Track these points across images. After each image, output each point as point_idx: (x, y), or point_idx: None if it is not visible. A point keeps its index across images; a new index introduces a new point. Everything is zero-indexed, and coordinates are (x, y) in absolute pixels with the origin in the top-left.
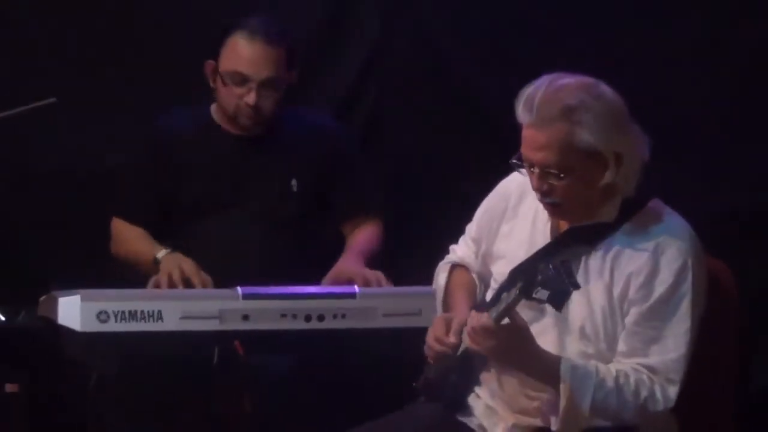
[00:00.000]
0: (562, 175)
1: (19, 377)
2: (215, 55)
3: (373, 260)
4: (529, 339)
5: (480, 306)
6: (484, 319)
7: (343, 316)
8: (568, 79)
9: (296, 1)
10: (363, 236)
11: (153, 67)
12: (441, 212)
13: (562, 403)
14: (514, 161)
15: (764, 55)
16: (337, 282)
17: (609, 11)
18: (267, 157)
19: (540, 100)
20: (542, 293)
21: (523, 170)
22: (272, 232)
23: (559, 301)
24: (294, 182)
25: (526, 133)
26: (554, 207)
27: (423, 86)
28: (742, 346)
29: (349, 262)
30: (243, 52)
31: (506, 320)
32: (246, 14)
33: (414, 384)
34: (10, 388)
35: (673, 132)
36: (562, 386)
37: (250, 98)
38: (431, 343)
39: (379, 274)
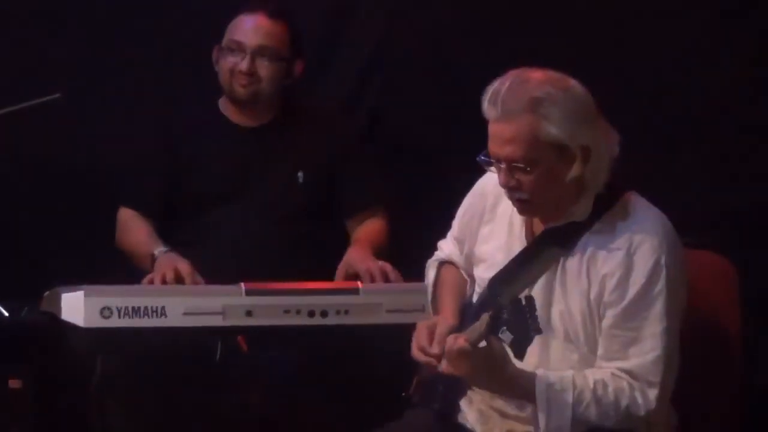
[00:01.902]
0: (528, 169)
1: (22, 373)
2: (221, 40)
3: (380, 254)
4: (505, 362)
5: (461, 323)
6: (460, 342)
7: (347, 312)
8: (534, 73)
9: None
10: (368, 230)
11: (159, 60)
12: (444, 208)
13: (542, 423)
14: (482, 158)
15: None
16: (344, 276)
17: (610, 9)
18: (274, 148)
19: (505, 94)
20: (506, 335)
21: (492, 168)
22: (278, 224)
23: (521, 348)
24: (300, 174)
25: (493, 128)
26: (522, 203)
27: (427, 82)
28: (745, 343)
29: (355, 254)
30: (242, 23)
31: (482, 342)
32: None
33: (404, 394)
34: (13, 383)
35: (676, 129)
36: (539, 406)
37: (244, 64)
38: (415, 353)
39: (385, 265)
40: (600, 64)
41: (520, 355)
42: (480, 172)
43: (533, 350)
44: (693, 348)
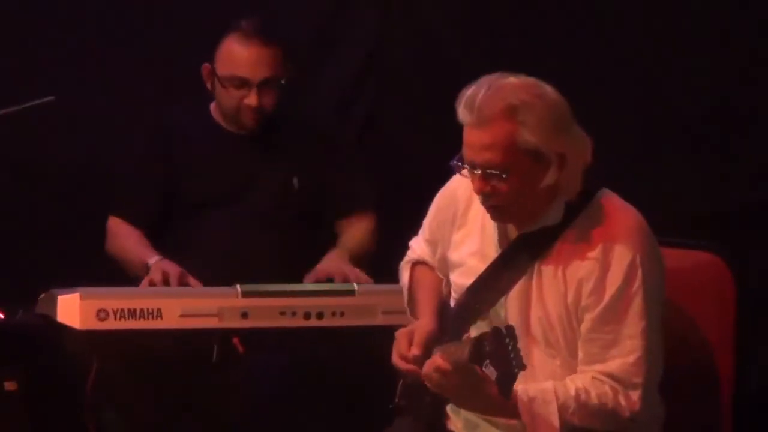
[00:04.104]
0: (504, 176)
1: (18, 375)
2: (211, 58)
3: (363, 259)
4: (486, 382)
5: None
6: (440, 363)
7: (342, 313)
8: (509, 79)
9: None
10: (352, 235)
11: (153, 65)
12: None
13: None
14: (456, 163)
15: (766, 49)
16: (317, 280)
17: (605, 10)
18: (268, 154)
19: (481, 100)
20: (490, 370)
21: (465, 173)
22: (273, 229)
23: (506, 385)
24: (295, 180)
25: (468, 134)
26: (496, 209)
27: (422, 84)
28: (740, 342)
29: (331, 260)
30: (239, 56)
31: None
32: (243, 13)
33: (391, 405)
34: (9, 386)
35: (670, 129)
36: (525, 422)
37: (252, 100)
38: (396, 361)
39: (357, 272)
40: (597, 64)
41: (506, 393)
42: None
43: None
44: (687, 349)
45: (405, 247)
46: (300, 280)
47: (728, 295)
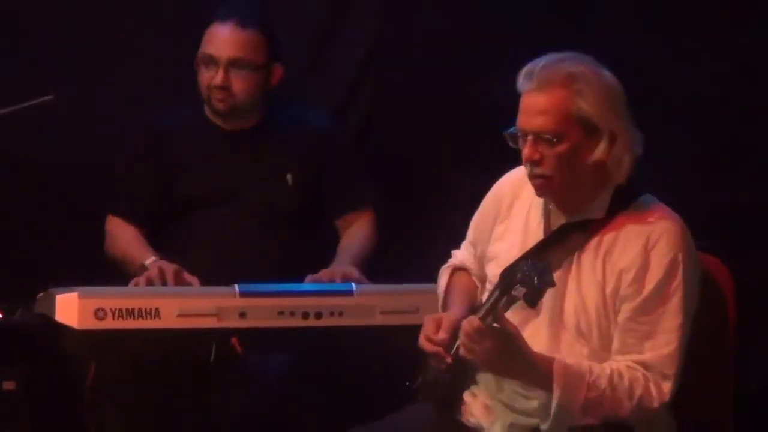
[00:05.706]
0: (555, 140)
1: (16, 375)
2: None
3: (365, 260)
4: (520, 343)
5: (472, 311)
6: (474, 322)
7: (341, 313)
8: (571, 55)
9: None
10: (353, 239)
11: (148, 64)
12: (440, 210)
13: (554, 402)
14: (509, 132)
15: (766, 48)
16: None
17: (609, 7)
18: (262, 152)
19: (541, 68)
20: (519, 290)
21: (517, 144)
22: (268, 228)
23: (533, 299)
24: (289, 177)
25: (525, 100)
26: (542, 180)
27: (419, 85)
28: (740, 343)
29: (333, 267)
30: (214, 34)
31: (495, 324)
32: None
33: (407, 383)
34: (7, 385)
35: (668, 128)
36: (554, 385)
37: (217, 78)
38: (422, 342)
39: (351, 269)
40: (600, 61)
41: (533, 303)
42: (477, 174)
43: (544, 342)
44: (687, 349)
45: (404, 247)
46: (297, 278)
47: (728, 295)
